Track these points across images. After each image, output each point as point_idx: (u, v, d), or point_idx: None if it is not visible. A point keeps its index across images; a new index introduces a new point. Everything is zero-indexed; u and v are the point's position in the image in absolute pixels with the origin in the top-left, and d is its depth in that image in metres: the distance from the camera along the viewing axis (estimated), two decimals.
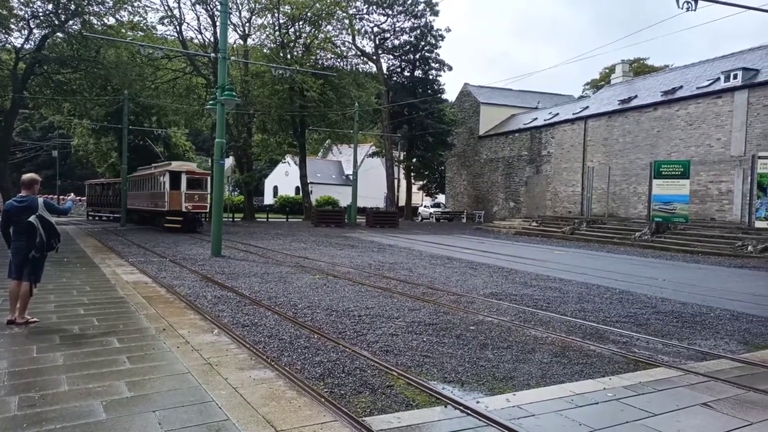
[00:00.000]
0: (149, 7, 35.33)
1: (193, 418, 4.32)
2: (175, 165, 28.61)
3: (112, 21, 31.90)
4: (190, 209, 26.71)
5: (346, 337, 7.24)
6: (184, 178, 27.10)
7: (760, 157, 22.76)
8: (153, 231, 28.50)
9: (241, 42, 39.78)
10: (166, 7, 35.80)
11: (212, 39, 36.52)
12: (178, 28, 36.85)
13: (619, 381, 5.66)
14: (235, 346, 6.51)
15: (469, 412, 4.64)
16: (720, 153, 28.01)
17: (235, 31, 39.07)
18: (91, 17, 29.77)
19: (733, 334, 8.22)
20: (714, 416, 4.75)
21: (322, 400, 4.78)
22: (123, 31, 33.12)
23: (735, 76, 27.91)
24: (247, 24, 38.97)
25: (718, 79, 29.14)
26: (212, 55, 30.10)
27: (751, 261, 19.27)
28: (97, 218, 38.36)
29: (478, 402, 4.94)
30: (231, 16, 35.56)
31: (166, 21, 36.09)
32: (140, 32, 34.89)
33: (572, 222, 32.07)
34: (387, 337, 7.34)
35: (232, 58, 35.05)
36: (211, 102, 18.09)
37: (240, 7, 38.05)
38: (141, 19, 34.16)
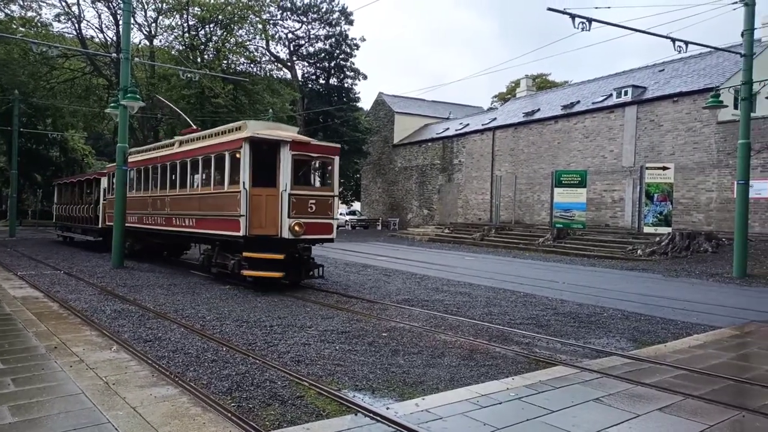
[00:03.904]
0: (44, 2, 32.96)
1: None
2: (260, 128, 12.77)
3: (1, 16, 29.42)
4: (299, 232, 11.96)
5: (256, 349, 7.08)
6: (288, 159, 12.02)
7: (647, 168, 24.76)
8: (47, 242, 26.33)
9: (147, 43, 38.01)
10: (64, 3, 33.55)
11: (115, 38, 34.62)
12: (76, 25, 34.62)
13: (521, 381, 5.92)
14: (136, 362, 6.17)
15: (378, 419, 4.67)
16: (613, 164, 30.19)
17: (141, 30, 37.28)
18: None
19: (624, 332, 8.86)
20: (606, 410, 5.09)
21: (229, 415, 4.64)
22: (14, 26, 30.62)
23: (626, 93, 30.25)
24: (154, 24, 37.32)
25: (611, 95, 31.45)
26: (114, 55, 28.51)
27: (640, 263, 20.88)
28: (68, 239, 26.11)
29: (388, 408, 4.99)
30: (135, 15, 33.89)
31: (63, 18, 33.79)
32: (34, 29, 32.40)
33: (482, 228, 33.28)
34: (299, 346, 7.26)
35: (137, 59, 33.37)
36: (112, 104, 17.12)
37: (146, 6, 36.38)
38: (35, 14, 31.79)
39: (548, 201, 29.89)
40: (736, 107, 19.70)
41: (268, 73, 43.07)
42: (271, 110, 37.33)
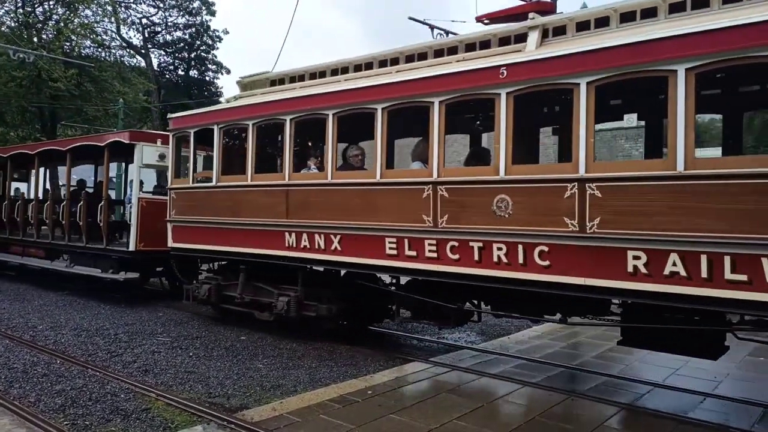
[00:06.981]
0: None
1: None
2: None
3: None
4: None
5: (97, 359, 6.49)
6: None
7: None
8: None
9: None
10: None
11: None
12: None
13: (380, 378, 6.06)
14: None
15: (232, 427, 4.51)
16: None
17: None
18: None
19: (473, 326, 9.42)
20: (455, 402, 5.36)
21: None
22: None
23: None
24: None
25: None
26: None
27: None
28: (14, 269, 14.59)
29: (243, 414, 4.84)
30: None
31: None
32: None
33: None
34: (147, 355, 6.78)
35: None
36: None
37: None
38: None
39: None
40: None
41: (119, 60, 39.81)
42: (121, 100, 34.59)
